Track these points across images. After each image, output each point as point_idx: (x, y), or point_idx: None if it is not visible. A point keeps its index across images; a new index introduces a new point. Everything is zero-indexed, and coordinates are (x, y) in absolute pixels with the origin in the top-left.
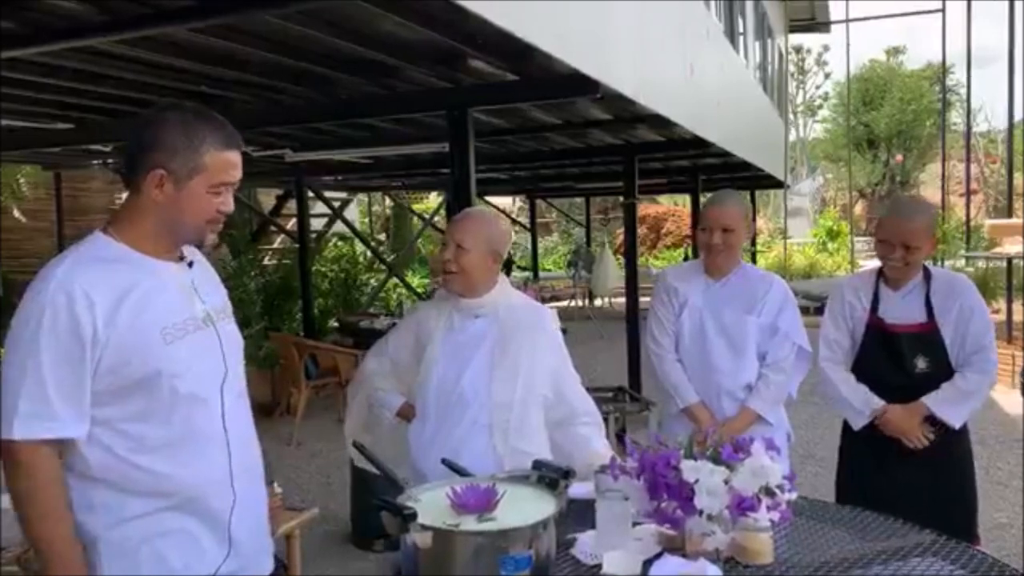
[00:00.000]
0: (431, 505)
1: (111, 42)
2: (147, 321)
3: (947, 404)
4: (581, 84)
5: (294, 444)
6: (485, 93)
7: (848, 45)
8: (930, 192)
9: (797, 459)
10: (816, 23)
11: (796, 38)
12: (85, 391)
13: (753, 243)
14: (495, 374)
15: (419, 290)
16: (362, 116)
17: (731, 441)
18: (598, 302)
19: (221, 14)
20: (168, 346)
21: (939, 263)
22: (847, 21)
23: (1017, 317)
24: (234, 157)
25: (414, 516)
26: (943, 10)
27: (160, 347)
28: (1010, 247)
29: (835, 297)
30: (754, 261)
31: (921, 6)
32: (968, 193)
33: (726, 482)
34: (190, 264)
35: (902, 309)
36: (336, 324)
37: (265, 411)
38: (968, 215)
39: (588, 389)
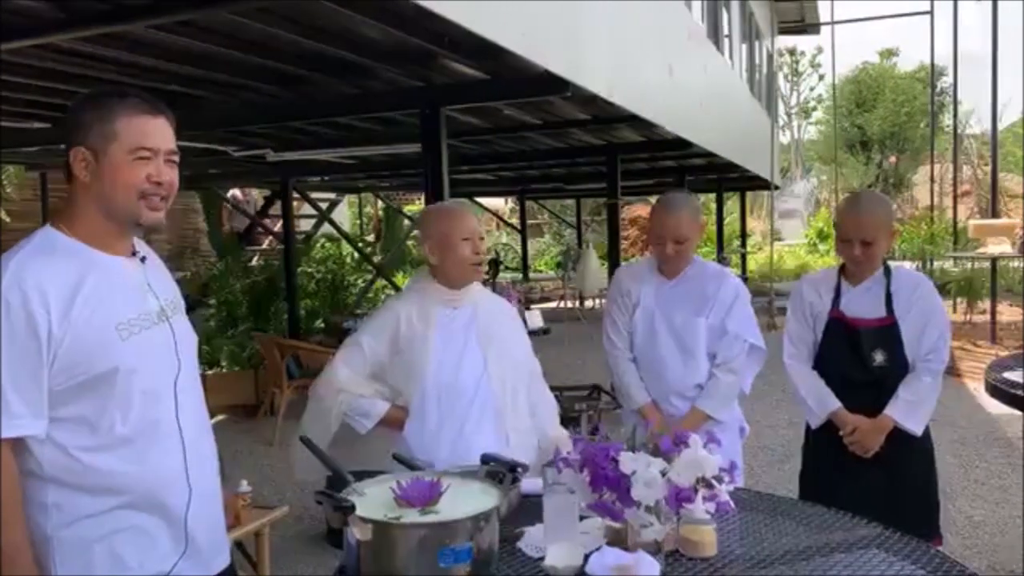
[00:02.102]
0: (376, 499)
1: (75, 40)
2: (102, 318)
3: (910, 414)
4: (552, 83)
5: (276, 444)
6: (457, 92)
7: (833, 47)
8: (924, 193)
9: (777, 458)
10: (805, 25)
11: (790, 40)
12: (43, 388)
13: (743, 244)
14: (489, 359)
15: None
16: (335, 115)
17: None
18: (588, 303)
19: (179, 11)
20: (124, 343)
21: (928, 263)
22: (832, 23)
23: (1002, 317)
24: (152, 121)
25: (352, 508)
26: (931, 12)
27: (116, 344)
28: (994, 247)
29: (795, 295)
30: (744, 262)
31: (910, 7)
32: (955, 194)
33: (663, 474)
34: (142, 259)
35: (863, 304)
36: (322, 325)
37: (248, 411)
38: (955, 216)
39: (566, 388)
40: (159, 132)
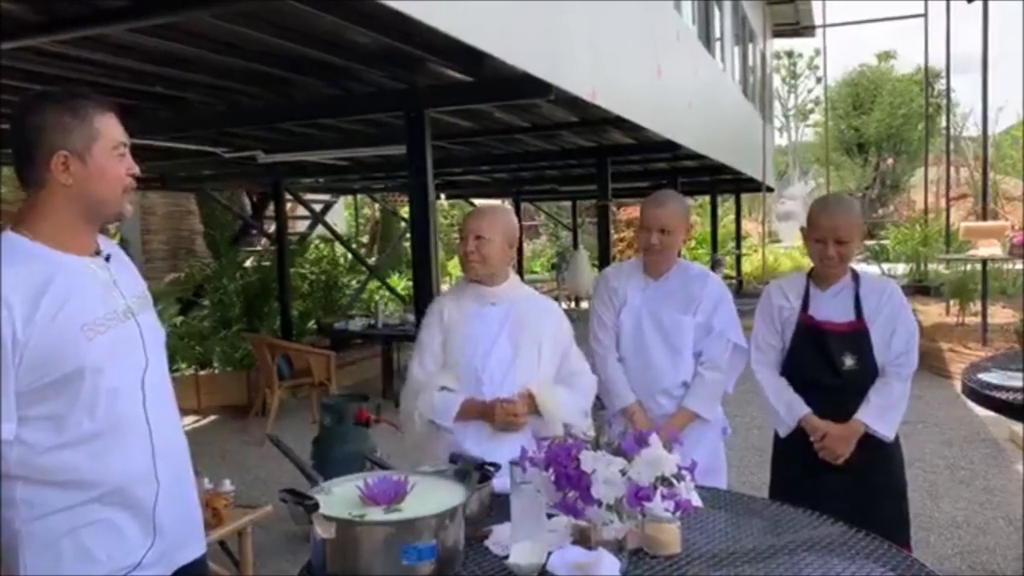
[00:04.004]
0: (342, 497)
1: (57, 43)
2: (67, 318)
3: (880, 419)
4: (533, 86)
5: (266, 444)
6: (440, 94)
7: (825, 49)
8: (921, 196)
9: (765, 459)
10: (800, 27)
11: (789, 42)
12: (9, 391)
13: (739, 246)
14: (518, 355)
15: (402, 293)
16: (319, 117)
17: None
18: (584, 304)
19: (156, 14)
20: (90, 342)
21: (923, 265)
22: (824, 26)
23: (994, 319)
24: (115, 117)
25: (316, 507)
26: (925, 14)
27: (82, 344)
28: (984, 250)
29: (764, 299)
30: (739, 264)
31: (905, 9)
32: (947, 196)
33: (623, 472)
34: (107, 258)
35: (832, 309)
36: (315, 326)
37: (240, 412)
38: (947, 218)
39: None
40: (121, 126)
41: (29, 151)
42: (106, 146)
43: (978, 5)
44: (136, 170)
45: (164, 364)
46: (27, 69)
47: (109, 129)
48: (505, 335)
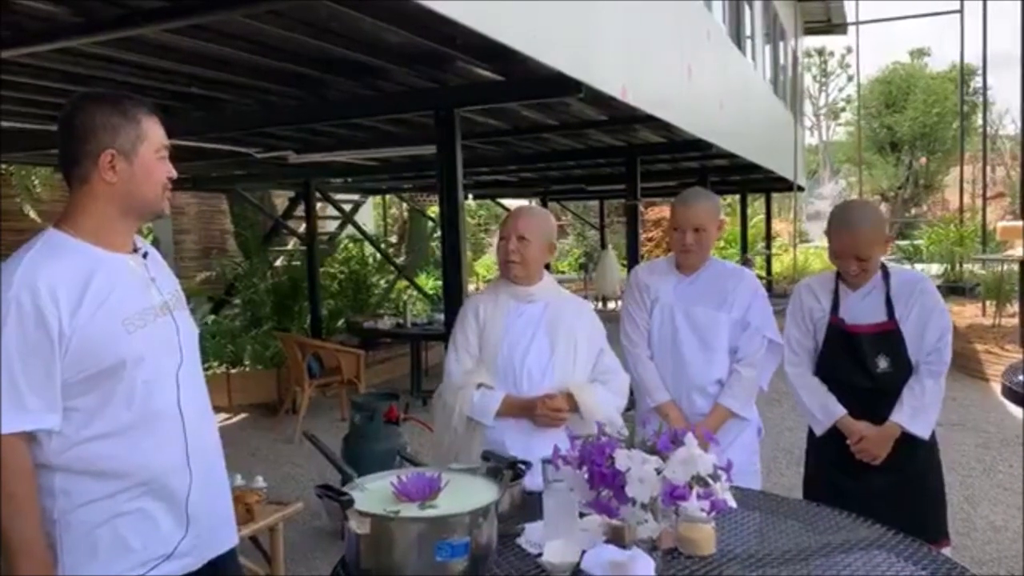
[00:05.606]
0: (377, 493)
1: (92, 44)
2: (109, 312)
3: (915, 420)
4: (564, 84)
5: (297, 442)
6: (470, 93)
7: (858, 47)
8: (956, 195)
9: (796, 459)
10: (832, 25)
11: (819, 40)
12: (55, 382)
13: (768, 246)
14: (556, 353)
15: (431, 292)
16: (350, 117)
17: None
18: (611, 304)
19: (191, 15)
20: (130, 336)
21: (958, 265)
22: (856, 23)
23: None
24: (158, 121)
25: (351, 502)
26: (961, 11)
27: (123, 337)
28: (1022, 249)
29: (794, 300)
30: (769, 264)
31: (940, 7)
32: (984, 196)
33: (658, 472)
34: (144, 255)
35: (863, 309)
36: (344, 324)
37: (271, 409)
38: (984, 218)
39: None
40: (163, 130)
41: (77, 149)
42: (151, 148)
43: (1014, 2)
44: (174, 173)
45: (198, 361)
46: (64, 70)
47: (155, 132)
48: (543, 332)
